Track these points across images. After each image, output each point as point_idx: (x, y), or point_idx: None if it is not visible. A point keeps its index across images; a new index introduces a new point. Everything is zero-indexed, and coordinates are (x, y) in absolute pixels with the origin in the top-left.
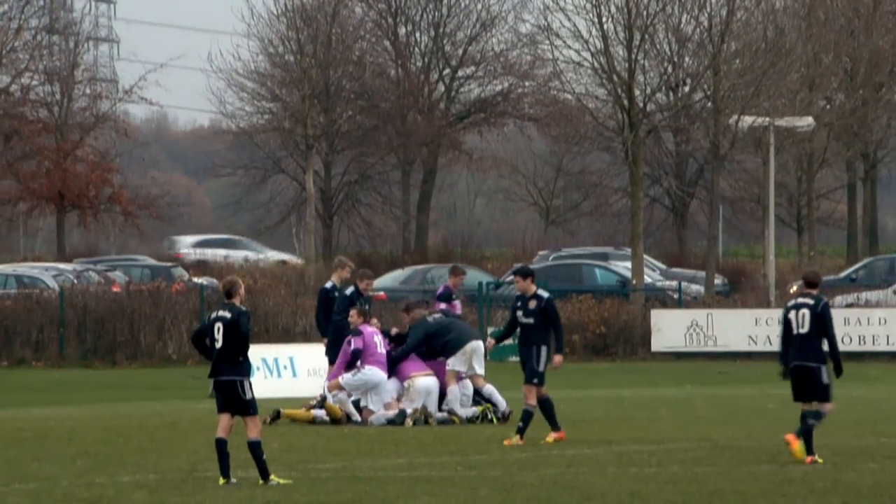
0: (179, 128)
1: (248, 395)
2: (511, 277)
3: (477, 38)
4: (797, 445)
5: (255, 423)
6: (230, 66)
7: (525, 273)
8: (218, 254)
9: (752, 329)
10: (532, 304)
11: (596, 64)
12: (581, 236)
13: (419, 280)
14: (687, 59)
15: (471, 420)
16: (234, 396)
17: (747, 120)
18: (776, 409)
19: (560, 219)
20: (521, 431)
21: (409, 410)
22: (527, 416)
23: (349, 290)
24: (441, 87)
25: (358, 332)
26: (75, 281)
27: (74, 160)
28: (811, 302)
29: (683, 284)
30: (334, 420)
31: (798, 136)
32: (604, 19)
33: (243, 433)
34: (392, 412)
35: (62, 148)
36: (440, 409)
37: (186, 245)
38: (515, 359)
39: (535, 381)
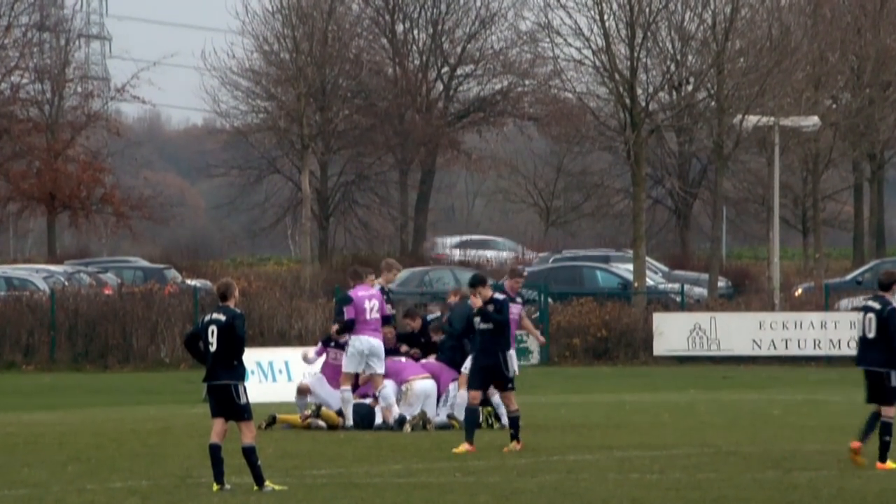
0: (172, 127)
1: (243, 400)
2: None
3: (476, 36)
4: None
5: (250, 429)
6: (224, 64)
7: (479, 282)
8: (479, 254)
9: (756, 333)
10: (490, 309)
11: (597, 62)
12: (582, 238)
13: (417, 282)
14: (690, 57)
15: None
16: (228, 401)
17: (752, 119)
18: (781, 415)
19: (561, 220)
20: (514, 437)
21: (407, 416)
22: (514, 422)
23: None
24: (439, 86)
25: (349, 300)
26: (66, 283)
27: (65, 160)
28: (878, 307)
29: (686, 287)
30: (331, 427)
31: (803, 136)
32: (605, 16)
33: (237, 438)
34: (392, 418)
35: (53, 147)
36: (439, 411)
37: (448, 245)
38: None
39: (510, 386)
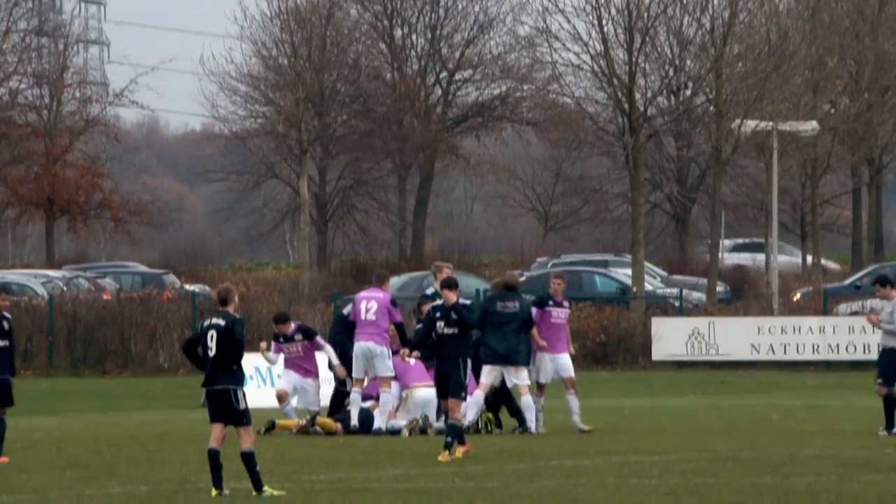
0: (171, 132)
1: (242, 405)
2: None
3: (474, 41)
4: None
5: (249, 434)
6: (223, 69)
7: (452, 285)
8: (755, 258)
9: (755, 338)
10: (454, 315)
11: (596, 67)
12: (580, 243)
13: (415, 287)
14: (689, 62)
15: (466, 429)
16: (227, 406)
17: (750, 124)
18: (779, 420)
19: (559, 225)
20: (448, 447)
21: (403, 422)
22: (454, 431)
23: (346, 310)
24: (438, 91)
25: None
26: (65, 288)
27: (64, 165)
28: None
29: (685, 292)
30: (329, 433)
31: (802, 141)
32: (604, 21)
33: (236, 443)
34: (394, 422)
35: (51, 152)
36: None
37: (725, 249)
38: None
39: (462, 394)
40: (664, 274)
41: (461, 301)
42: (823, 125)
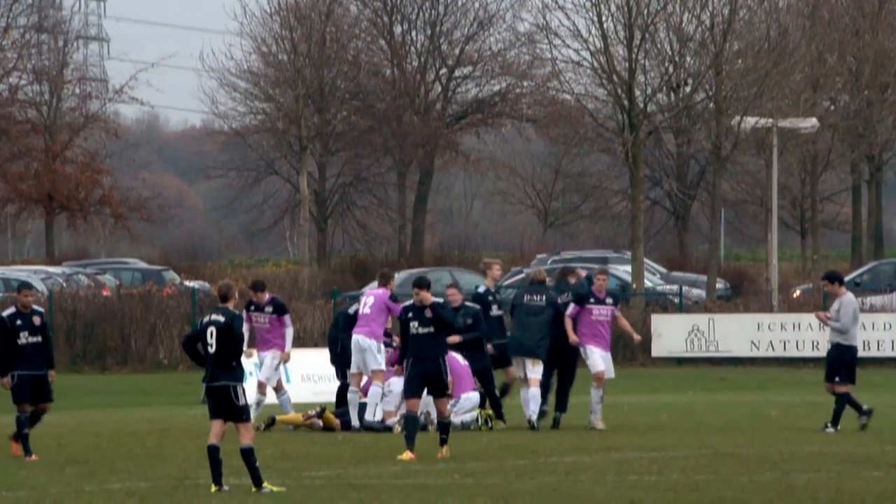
0: (171, 128)
1: (241, 401)
2: (507, 281)
3: (474, 38)
4: None
5: (248, 430)
6: (222, 65)
7: (424, 284)
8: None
9: (755, 334)
10: (428, 314)
11: (595, 63)
12: (580, 239)
13: None
14: (688, 58)
15: (465, 426)
16: (226, 402)
17: (750, 121)
18: (779, 416)
19: (559, 222)
20: (444, 442)
21: (396, 418)
22: (445, 427)
23: (352, 309)
24: (437, 88)
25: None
26: (64, 284)
27: (64, 161)
28: None
29: (684, 289)
30: (328, 429)
31: (802, 138)
32: (604, 18)
33: (236, 440)
34: (392, 420)
35: (51, 149)
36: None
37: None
38: None
39: (448, 393)
40: (664, 271)
41: (436, 300)
42: (823, 122)
